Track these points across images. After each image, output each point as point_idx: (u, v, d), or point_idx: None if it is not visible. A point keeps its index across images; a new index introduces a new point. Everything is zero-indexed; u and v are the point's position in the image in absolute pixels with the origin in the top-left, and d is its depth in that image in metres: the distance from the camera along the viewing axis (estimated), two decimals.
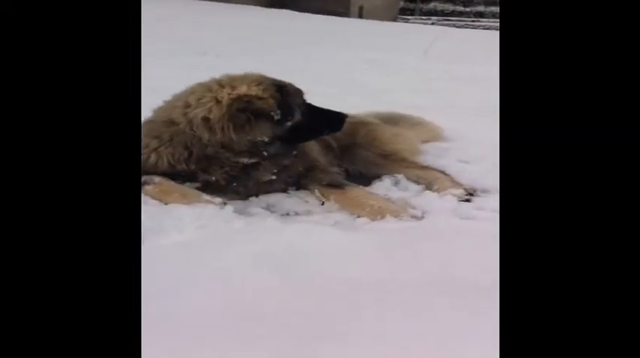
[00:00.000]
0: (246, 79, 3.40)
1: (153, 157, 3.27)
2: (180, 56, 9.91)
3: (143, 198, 3.13)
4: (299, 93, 3.51)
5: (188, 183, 3.24)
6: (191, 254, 2.49)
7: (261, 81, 3.38)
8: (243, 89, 3.29)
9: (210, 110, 3.26)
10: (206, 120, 3.25)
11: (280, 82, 3.46)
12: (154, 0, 23.28)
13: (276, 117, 3.27)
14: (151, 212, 2.91)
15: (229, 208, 3.04)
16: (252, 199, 3.37)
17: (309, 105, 3.53)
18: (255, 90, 3.29)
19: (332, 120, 3.57)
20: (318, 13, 26.78)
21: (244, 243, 2.58)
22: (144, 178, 3.21)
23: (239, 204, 3.24)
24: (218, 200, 3.10)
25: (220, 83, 3.40)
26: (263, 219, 3.04)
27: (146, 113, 3.54)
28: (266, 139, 3.31)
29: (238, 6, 27.64)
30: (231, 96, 3.26)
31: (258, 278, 2.26)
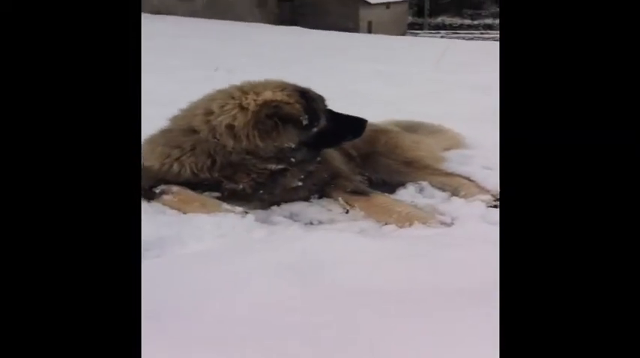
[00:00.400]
0: (268, 84, 3.29)
1: (175, 166, 3.16)
2: (192, 71, 9.87)
3: (161, 208, 3.02)
4: (321, 99, 3.38)
5: (207, 193, 3.11)
6: (211, 263, 2.35)
7: (284, 86, 3.28)
8: (268, 94, 3.18)
9: (234, 117, 3.14)
10: (230, 127, 3.13)
11: (302, 87, 3.32)
12: (165, 19, 23.53)
13: (304, 123, 3.16)
14: (169, 221, 2.78)
15: (250, 217, 2.91)
16: (274, 208, 3.23)
17: (331, 111, 3.40)
18: (280, 96, 3.18)
19: (354, 125, 3.44)
20: (327, 29, 26.87)
21: (266, 252, 2.44)
22: (162, 188, 3.10)
23: (260, 213, 3.11)
24: (239, 209, 2.98)
25: (242, 89, 3.28)
26: (285, 228, 2.90)
27: (160, 124, 3.46)
28: (293, 145, 3.19)
29: (249, 24, 27.81)
30: (257, 102, 3.14)
31: (281, 287, 2.13)
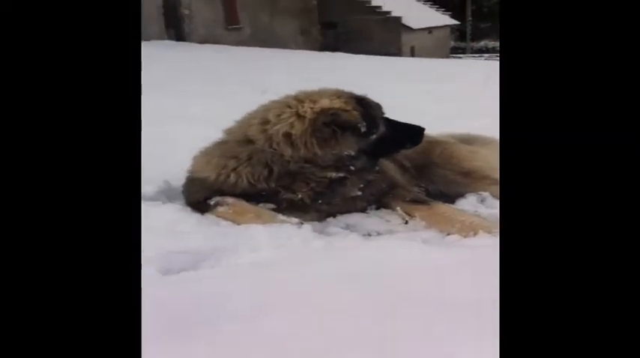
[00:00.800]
0: (324, 93, 3.19)
1: (232, 177, 3.06)
2: (241, 95, 9.91)
3: (215, 219, 2.92)
4: (378, 106, 3.27)
5: (262, 204, 3.00)
6: (269, 272, 2.22)
7: (340, 94, 3.18)
8: (325, 102, 3.08)
9: (292, 125, 3.04)
10: (288, 135, 3.04)
11: (358, 94, 3.21)
12: (213, 47, 23.93)
13: (363, 130, 3.04)
14: (224, 232, 2.68)
15: (307, 227, 2.79)
16: (330, 220, 3.10)
17: (388, 118, 3.27)
18: (338, 103, 3.07)
19: (412, 132, 3.31)
20: (370, 54, 26.90)
21: (326, 261, 2.31)
22: (216, 200, 3.02)
23: (317, 225, 2.98)
24: (295, 220, 2.86)
25: (298, 98, 3.19)
26: (343, 238, 2.75)
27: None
28: (352, 153, 3.07)
29: (293, 51, 28.07)
30: (314, 109, 3.04)
31: (343, 296, 1.99)
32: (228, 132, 3.31)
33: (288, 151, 3.02)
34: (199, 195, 3.05)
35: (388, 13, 37.08)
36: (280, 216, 2.88)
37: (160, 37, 23.18)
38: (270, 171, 3.04)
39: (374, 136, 3.12)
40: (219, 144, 3.25)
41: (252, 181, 3.04)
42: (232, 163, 3.08)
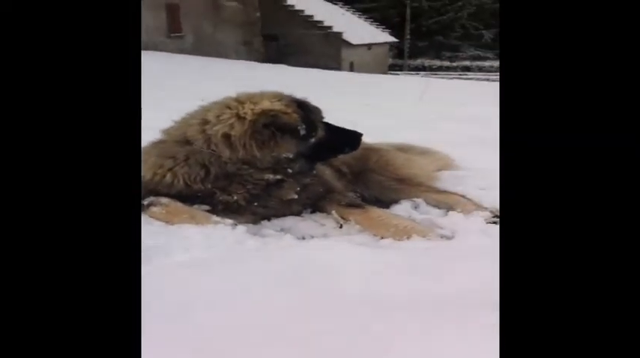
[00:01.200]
0: (265, 95, 3.14)
1: (168, 177, 2.97)
2: (179, 102, 9.74)
3: (148, 219, 2.82)
4: (318, 110, 3.24)
5: (197, 206, 2.92)
6: (201, 272, 2.15)
7: (281, 97, 3.13)
8: (266, 104, 3.03)
9: (232, 126, 2.98)
10: (227, 136, 2.97)
11: (299, 98, 3.18)
12: (153, 54, 23.52)
13: (302, 133, 3.00)
14: (156, 231, 2.59)
15: (241, 228, 2.72)
16: (265, 223, 3.04)
17: (327, 123, 3.25)
18: (278, 105, 3.03)
19: (351, 137, 3.30)
20: (310, 67, 27.04)
21: (259, 261, 2.26)
22: (150, 199, 2.91)
23: (251, 227, 2.91)
24: (229, 221, 2.78)
25: (239, 100, 3.12)
26: (278, 240, 2.70)
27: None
28: (290, 156, 3.03)
29: (235, 61, 27.95)
30: (255, 111, 2.99)
31: (275, 295, 1.96)
32: (167, 132, 3.22)
33: (226, 152, 2.96)
34: None
35: (329, 28, 37.43)
36: (214, 218, 2.81)
37: None
38: (207, 172, 2.96)
39: (313, 140, 3.09)
40: (157, 144, 3.15)
41: (189, 182, 2.95)
42: (169, 163, 2.99)
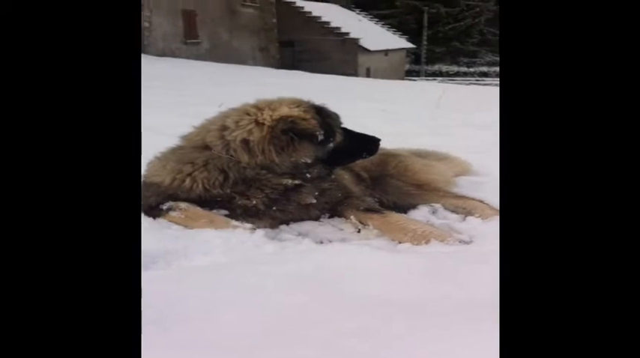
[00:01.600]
0: (283, 101, 3.17)
1: (187, 182, 2.99)
2: (198, 107, 9.81)
3: (166, 223, 2.85)
4: (336, 115, 3.26)
5: (216, 210, 2.94)
6: (221, 275, 2.17)
7: (299, 103, 3.17)
8: (284, 110, 3.06)
9: (250, 132, 3.01)
10: (246, 142, 3.01)
11: (317, 104, 3.20)
12: (170, 61, 23.70)
13: (320, 138, 3.03)
14: (176, 235, 2.62)
15: (260, 232, 2.74)
16: (283, 227, 3.05)
17: (346, 128, 3.27)
18: (296, 111, 3.06)
19: (369, 143, 3.31)
20: (327, 74, 27.10)
21: (278, 264, 2.27)
22: (169, 204, 2.94)
23: (269, 231, 2.92)
24: (247, 225, 2.80)
25: (258, 106, 3.16)
26: (296, 244, 2.71)
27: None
28: (309, 161, 3.06)
29: (251, 67, 28.08)
30: (273, 117, 3.02)
31: (294, 298, 1.96)
32: (186, 138, 3.26)
33: (245, 158, 2.99)
34: (152, 200, 2.97)
35: (346, 34, 37.49)
36: (233, 222, 2.83)
37: None
38: (226, 177, 2.98)
39: (331, 145, 3.11)
40: (176, 150, 3.19)
41: (207, 187, 2.97)
42: (188, 168, 3.02)
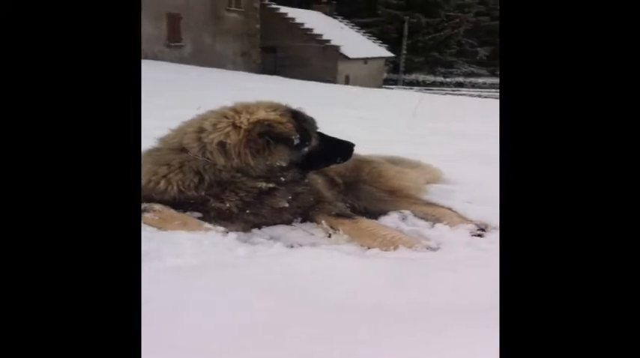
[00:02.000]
0: (261, 105, 3.17)
1: (162, 184, 2.98)
2: (176, 110, 9.76)
3: (142, 225, 2.83)
4: (312, 120, 3.28)
5: (189, 213, 2.93)
6: (191, 277, 2.17)
7: (276, 107, 3.17)
8: (261, 114, 3.06)
9: (227, 135, 3.01)
10: (222, 145, 3.00)
11: (294, 108, 3.21)
12: (152, 63, 23.55)
13: (296, 142, 3.04)
14: (148, 237, 2.60)
15: (232, 236, 2.74)
16: (255, 231, 3.05)
17: (321, 133, 3.29)
18: (273, 115, 3.07)
19: (343, 148, 3.34)
20: (306, 80, 27.14)
21: (249, 268, 2.28)
22: (143, 206, 2.92)
23: (242, 235, 2.92)
24: (220, 228, 2.80)
25: (235, 109, 3.16)
26: (268, 248, 2.72)
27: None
28: (284, 164, 3.07)
29: (232, 72, 28.01)
30: (250, 120, 3.02)
31: (263, 301, 1.97)
32: (163, 140, 3.24)
33: (221, 160, 2.99)
34: None
35: (328, 41, 37.58)
36: (206, 224, 2.83)
37: None
38: (201, 179, 2.98)
39: (306, 149, 3.13)
40: (152, 152, 3.17)
41: (182, 189, 2.97)
42: (163, 170, 3.01)
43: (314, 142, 3.18)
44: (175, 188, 2.96)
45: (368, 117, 10.90)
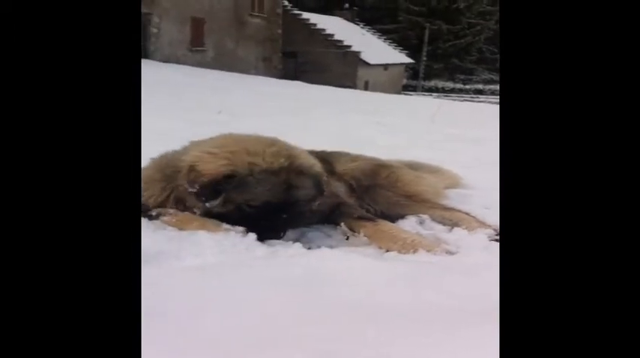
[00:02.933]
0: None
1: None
2: (197, 113, 9.85)
3: (161, 225, 2.86)
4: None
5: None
6: (211, 276, 2.18)
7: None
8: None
9: None
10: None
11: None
12: (175, 67, 23.74)
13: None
14: (170, 236, 2.62)
15: (252, 236, 2.74)
16: None
17: None
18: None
19: None
20: (326, 85, 27.18)
21: (268, 267, 2.28)
22: (158, 211, 2.96)
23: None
24: (239, 228, 2.80)
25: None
26: (287, 248, 2.72)
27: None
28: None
29: (253, 77, 28.13)
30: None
31: (282, 300, 1.97)
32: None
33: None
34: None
35: (348, 47, 37.62)
36: (225, 225, 2.83)
37: None
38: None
39: None
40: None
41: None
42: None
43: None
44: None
45: (386, 123, 10.87)
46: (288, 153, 3.06)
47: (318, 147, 3.84)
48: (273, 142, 3.14)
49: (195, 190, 2.88)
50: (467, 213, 3.48)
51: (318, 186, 3.08)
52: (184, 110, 10.20)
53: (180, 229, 2.83)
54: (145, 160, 3.25)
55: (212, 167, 2.89)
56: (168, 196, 3.02)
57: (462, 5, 49.86)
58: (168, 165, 3.12)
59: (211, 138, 3.25)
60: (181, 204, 3.01)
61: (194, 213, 2.96)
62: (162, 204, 3.02)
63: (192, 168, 2.93)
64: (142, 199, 3.01)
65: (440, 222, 3.41)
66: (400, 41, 48.15)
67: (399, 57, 44.52)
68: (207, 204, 2.90)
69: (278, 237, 2.88)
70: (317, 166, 3.15)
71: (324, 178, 3.18)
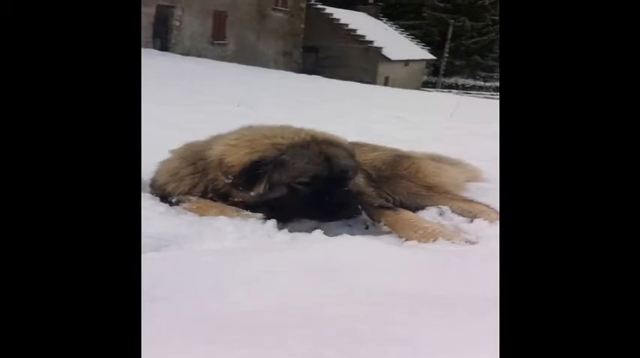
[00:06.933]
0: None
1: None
2: (216, 105, 9.88)
3: (182, 211, 2.88)
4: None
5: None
6: (231, 259, 2.19)
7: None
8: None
9: None
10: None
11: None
12: (196, 59, 23.83)
13: None
14: (190, 221, 2.64)
15: (271, 223, 2.75)
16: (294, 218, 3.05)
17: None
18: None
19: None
20: (345, 80, 27.11)
21: (287, 252, 2.29)
22: (178, 198, 2.99)
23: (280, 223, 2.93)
24: (259, 215, 2.81)
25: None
26: (306, 235, 2.72)
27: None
28: None
29: (274, 71, 28.15)
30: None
31: (300, 284, 1.98)
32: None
33: None
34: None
35: (370, 42, 37.45)
36: (245, 212, 2.85)
37: (144, 46, 23.02)
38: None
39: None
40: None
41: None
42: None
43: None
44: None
45: (405, 118, 10.83)
46: (306, 131, 3.13)
47: None
48: (288, 126, 3.22)
49: (230, 181, 2.93)
50: (487, 206, 3.45)
51: (353, 156, 3.13)
52: (202, 102, 10.24)
53: (201, 216, 2.85)
54: (165, 152, 3.29)
55: (236, 158, 2.93)
56: (197, 187, 3.06)
57: (487, 2, 49.37)
58: (198, 158, 3.16)
59: (230, 132, 3.29)
60: (223, 198, 3.03)
61: (239, 203, 2.98)
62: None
63: (220, 162, 2.98)
64: (169, 189, 3.05)
65: (460, 214, 3.39)
66: (423, 37, 47.86)
67: (420, 53, 44.26)
68: (251, 193, 2.93)
69: (347, 217, 2.99)
70: (341, 138, 3.16)
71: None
